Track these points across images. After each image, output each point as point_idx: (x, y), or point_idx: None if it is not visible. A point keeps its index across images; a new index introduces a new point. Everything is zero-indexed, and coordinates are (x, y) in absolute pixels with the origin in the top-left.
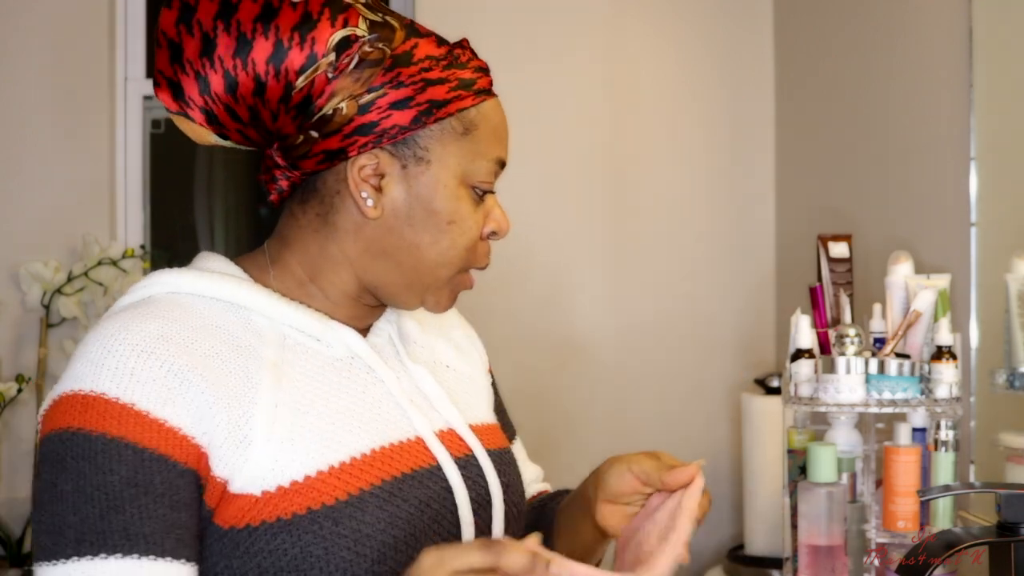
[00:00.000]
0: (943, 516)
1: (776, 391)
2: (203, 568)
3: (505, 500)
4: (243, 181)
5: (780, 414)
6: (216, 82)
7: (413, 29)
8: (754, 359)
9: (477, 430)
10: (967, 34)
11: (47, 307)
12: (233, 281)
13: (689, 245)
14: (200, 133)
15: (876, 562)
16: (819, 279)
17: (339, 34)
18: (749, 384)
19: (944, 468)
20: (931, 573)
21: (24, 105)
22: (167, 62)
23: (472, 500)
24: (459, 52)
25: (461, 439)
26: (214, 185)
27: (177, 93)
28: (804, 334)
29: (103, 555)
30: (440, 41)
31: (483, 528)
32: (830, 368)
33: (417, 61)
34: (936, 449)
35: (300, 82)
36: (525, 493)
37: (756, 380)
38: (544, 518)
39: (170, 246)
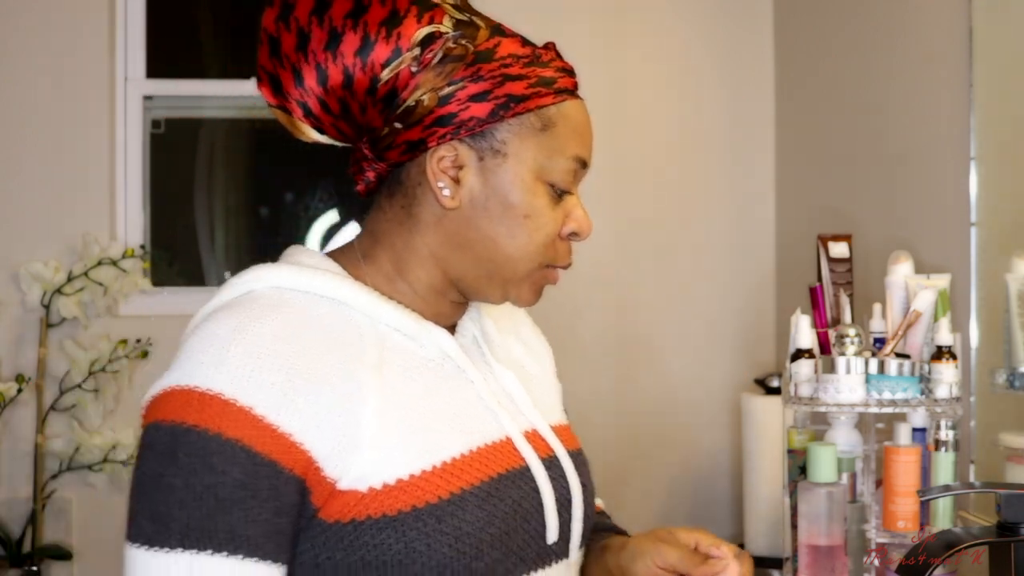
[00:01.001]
0: (943, 516)
1: (776, 391)
2: (304, 560)
3: (584, 500)
4: (243, 181)
5: (780, 414)
6: (310, 76)
7: (498, 29)
8: (754, 359)
9: (556, 431)
10: (967, 34)
11: (47, 307)
12: (333, 277)
13: (689, 245)
14: (298, 127)
15: (876, 562)
16: (819, 279)
17: (424, 30)
18: (749, 384)
19: (944, 468)
20: (931, 573)
21: (24, 105)
22: (267, 57)
23: (556, 500)
24: (542, 52)
25: (544, 440)
26: (214, 185)
27: (276, 87)
28: (804, 334)
29: (209, 551)
30: (525, 42)
31: (563, 527)
32: (830, 368)
33: (498, 58)
34: (936, 449)
35: (385, 75)
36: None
37: (756, 380)
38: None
39: (170, 246)
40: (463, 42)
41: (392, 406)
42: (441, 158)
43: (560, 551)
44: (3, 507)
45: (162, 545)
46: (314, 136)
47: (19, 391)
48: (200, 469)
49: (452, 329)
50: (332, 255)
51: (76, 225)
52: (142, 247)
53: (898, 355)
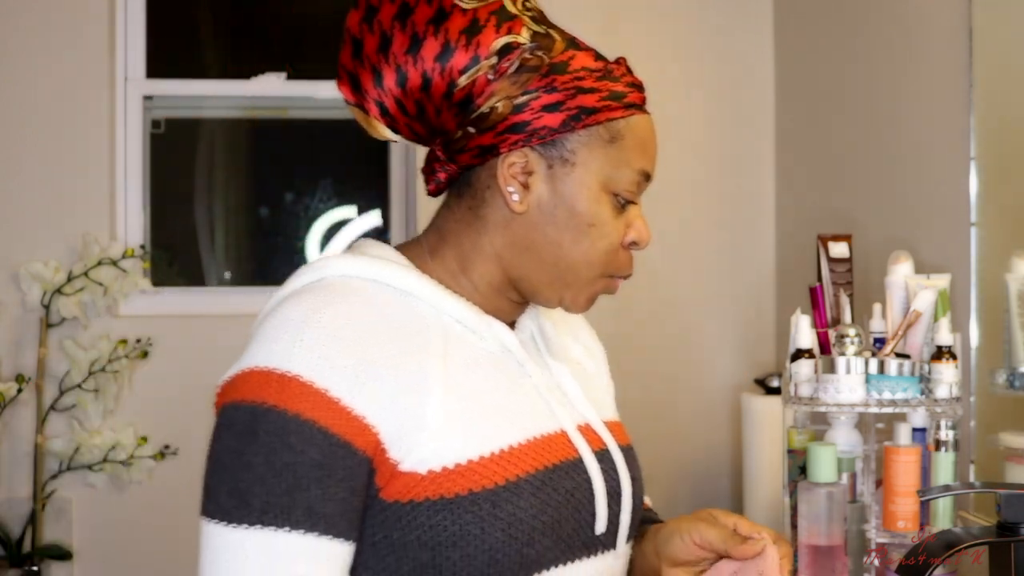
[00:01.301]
0: (943, 516)
1: (776, 391)
2: (365, 537)
3: (633, 494)
4: (243, 181)
5: (780, 414)
6: (389, 77)
7: (573, 43)
8: (754, 359)
9: (608, 426)
10: (967, 34)
11: (47, 307)
12: (401, 268)
13: (689, 245)
14: (373, 125)
15: (876, 562)
16: (819, 279)
17: (502, 40)
18: (749, 384)
19: (944, 468)
20: (931, 573)
21: (24, 105)
22: (349, 57)
23: (607, 492)
24: (614, 67)
25: (597, 434)
26: (214, 185)
27: (355, 86)
28: (804, 334)
29: (287, 528)
30: (598, 56)
31: (613, 520)
32: (830, 368)
33: (572, 71)
34: (936, 449)
35: (462, 81)
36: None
37: (756, 380)
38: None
39: (170, 246)
40: (539, 53)
41: (454, 394)
42: (512, 164)
43: (607, 542)
44: (3, 507)
45: (240, 521)
46: (388, 135)
47: (19, 391)
48: (279, 448)
49: (512, 326)
50: (400, 249)
51: (76, 225)
52: (142, 247)
53: (898, 355)
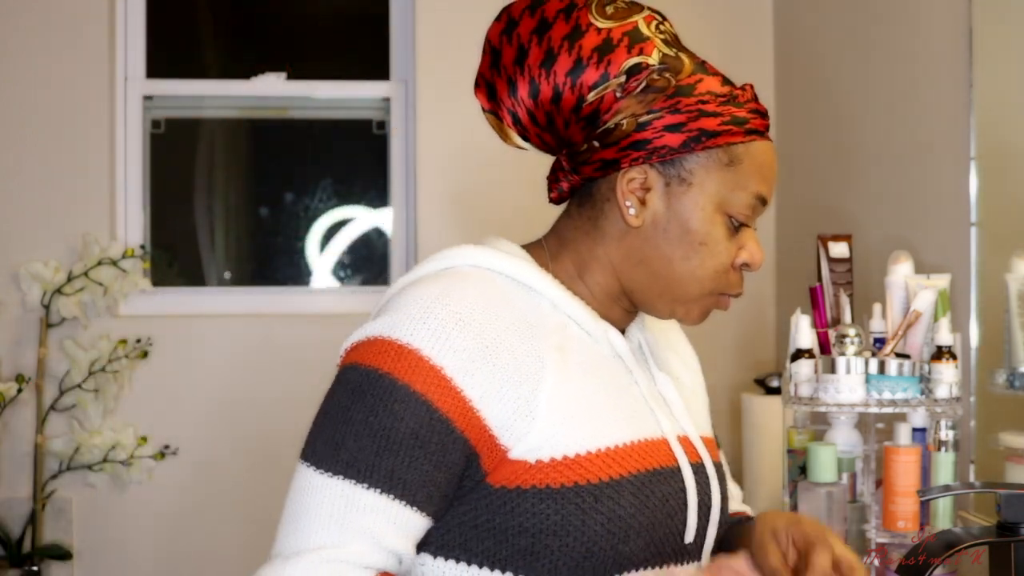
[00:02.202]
0: (943, 516)
1: (776, 391)
2: (465, 520)
3: (721, 509)
4: (243, 181)
5: (780, 414)
6: (523, 87)
7: (702, 67)
8: (754, 359)
9: (704, 441)
10: (967, 34)
11: (47, 307)
12: (528, 264)
13: None
14: (507, 132)
15: (876, 562)
16: (819, 279)
17: (632, 60)
18: (749, 384)
19: (944, 468)
20: (931, 573)
21: (24, 105)
22: (487, 66)
23: (698, 504)
24: (739, 92)
25: (694, 447)
26: (214, 185)
27: (491, 94)
28: (804, 334)
29: (365, 485)
30: (725, 81)
31: (700, 531)
32: (830, 368)
33: (697, 94)
34: (936, 449)
35: (591, 96)
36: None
37: (756, 380)
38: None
39: (170, 246)
40: (667, 75)
41: (568, 389)
42: (631, 179)
43: (694, 552)
44: (3, 507)
45: (328, 469)
46: (519, 142)
47: (19, 391)
48: (381, 411)
49: (623, 333)
50: (526, 248)
51: (76, 225)
52: (142, 247)
53: (898, 355)
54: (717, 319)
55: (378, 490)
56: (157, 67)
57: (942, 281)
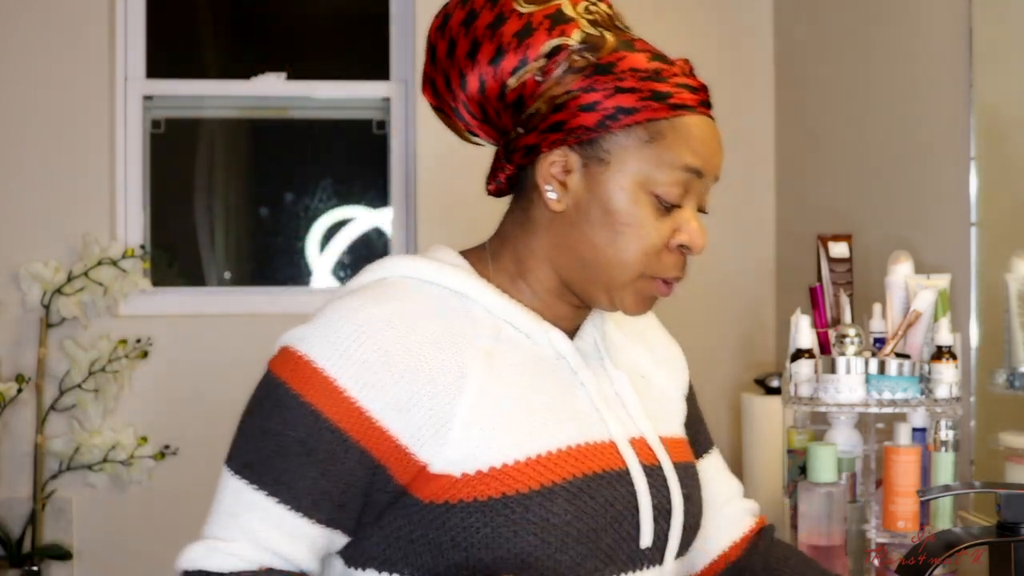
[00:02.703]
0: (943, 516)
1: (776, 391)
2: (401, 534)
3: (685, 512)
4: (243, 181)
5: (780, 414)
6: (455, 81)
7: (628, 44)
8: (754, 359)
9: (666, 442)
10: (967, 34)
11: (47, 307)
12: (459, 271)
13: None
14: (457, 128)
15: (876, 562)
16: (819, 279)
17: (552, 42)
18: (749, 384)
19: (944, 468)
20: (931, 573)
21: (24, 105)
22: (428, 63)
23: (654, 508)
24: (664, 68)
25: (651, 448)
26: (214, 185)
27: (435, 91)
28: (804, 334)
29: (255, 487)
30: (654, 58)
31: (661, 535)
32: (830, 368)
33: (617, 71)
34: (936, 449)
35: (512, 82)
36: (703, 507)
37: (756, 380)
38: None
39: (170, 246)
40: (585, 55)
41: (493, 397)
42: (552, 163)
43: (654, 558)
44: (3, 507)
45: (231, 467)
46: (469, 137)
47: (19, 391)
48: (275, 418)
49: (575, 331)
50: (465, 253)
51: (76, 225)
52: (142, 247)
53: (898, 355)
54: (717, 319)
55: (265, 492)
56: (157, 67)
57: (942, 281)
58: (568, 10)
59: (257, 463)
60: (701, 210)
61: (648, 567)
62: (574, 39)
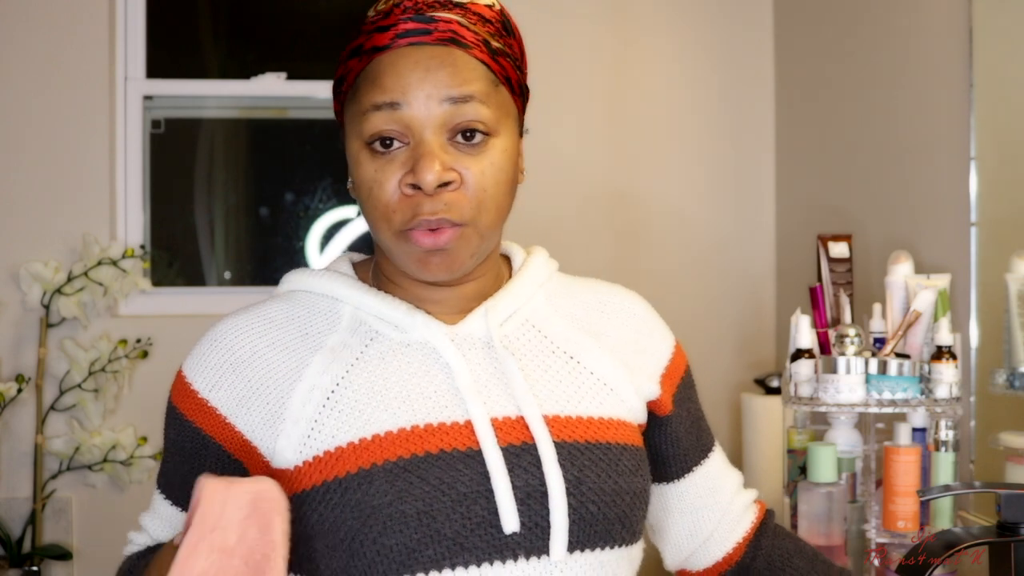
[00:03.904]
0: (943, 516)
1: (776, 391)
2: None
3: (572, 493)
4: (243, 181)
5: (780, 414)
6: None
7: (380, 14)
8: (754, 359)
9: (561, 420)
10: (967, 34)
11: (47, 307)
12: (329, 276)
13: (689, 245)
14: None
15: (876, 562)
16: (819, 279)
17: (368, 18)
18: (749, 384)
19: (944, 468)
20: (931, 573)
21: (24, 105)
22: None
23: (519, 488)
24: (367, 20)
25: (527, 427)
26: (214, 185)
27: None
28: (804, 334)
29: (157, 488)
30: (375, 15)
31: (537, 519)
32: (830, 368)
33: (352, 45)
34: (936, 449)
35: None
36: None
37: (756, 380)
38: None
39: (170, 246)
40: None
41: (324, 389)
42: (347, 146)
43: (532, 546)
44: (3, 507)
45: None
46: None
47: (19, 391)
48: (166, 427)
49: (463, 315)
50: (362, 260)
51: (76, 225)
52: (142, 247)
53: (898, 355)
54: (717, 319)
55: (158, 489)
56: (157, 67)
57: (942, 281)
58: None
59: (161, 468)
60: (474, 132)
61: (528, 558)
62: (370, 14)
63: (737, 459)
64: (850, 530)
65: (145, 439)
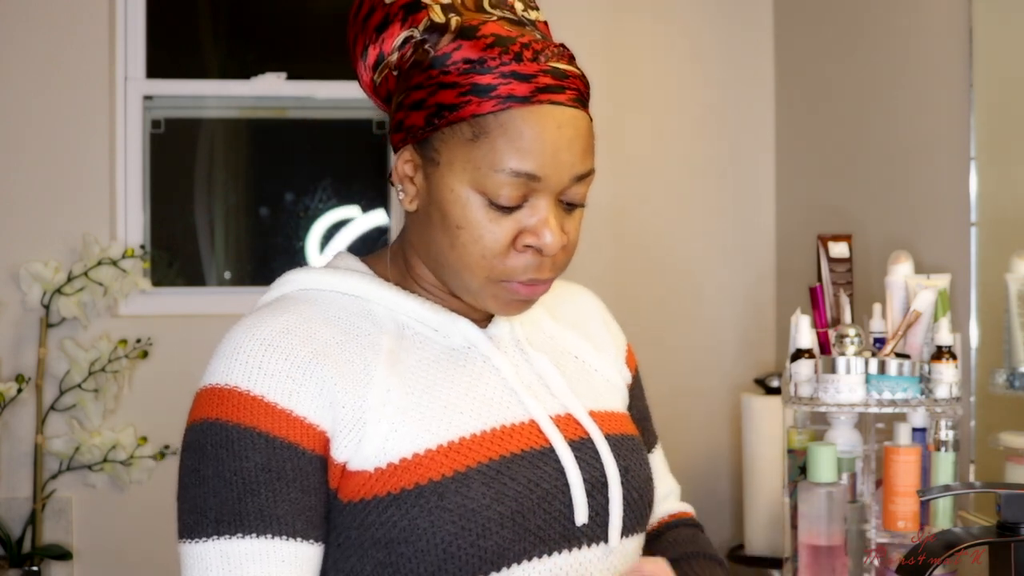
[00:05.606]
0: (943, 516)
1: (776, 391)
2: (331, 540)
3: (624, 484)
4: (243, 181)
5: (780, 414)
6: (359, 78)
7: (467, 32)
8: (754, 359)
9: (598, 416)
10: (967, 34)
11: (47, 307)
12: (355, 275)
13: (689, 245)
14: None
15: (876, 562)
16: (819, 279)
17: (403, 35)
18: (749, 384)
19: (944, 468)
20: (931, 573)
21: (24, 105)
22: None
23: (586, 481)
24: (491, 56)
25: (578, 423)
26: (214, 185)
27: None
28: (804, 334)
29: (240, 535)
30: (489, 46)
31: (599, 510)
32: (830, 368)
33: (447, 64)
34: (936, 449)
35: (376, 78)
36: (652, 480)
37: (756, 380)
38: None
39: (170, 246)
40: (426, 47)
41: (401, 391)
42: (406, 162)
43: (595, 534)
44: (3, 507)
45: (200, 535)
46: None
47: (19, 391)
48: (226, 457)
49: (489, 319)
50: (367, 258)
51: (76, 225)
52: (142, 247)
53: (898, 355)
54: (717, 319)
55: (254, 535)
56: (157, 67)
57: (942, 281)
58: None
59: (229, 511)
60: (574, 204)
61: (590, 545)
62: (421, 29)
63: (737, 459)
64: (850, 530)
65: (145, 439)
